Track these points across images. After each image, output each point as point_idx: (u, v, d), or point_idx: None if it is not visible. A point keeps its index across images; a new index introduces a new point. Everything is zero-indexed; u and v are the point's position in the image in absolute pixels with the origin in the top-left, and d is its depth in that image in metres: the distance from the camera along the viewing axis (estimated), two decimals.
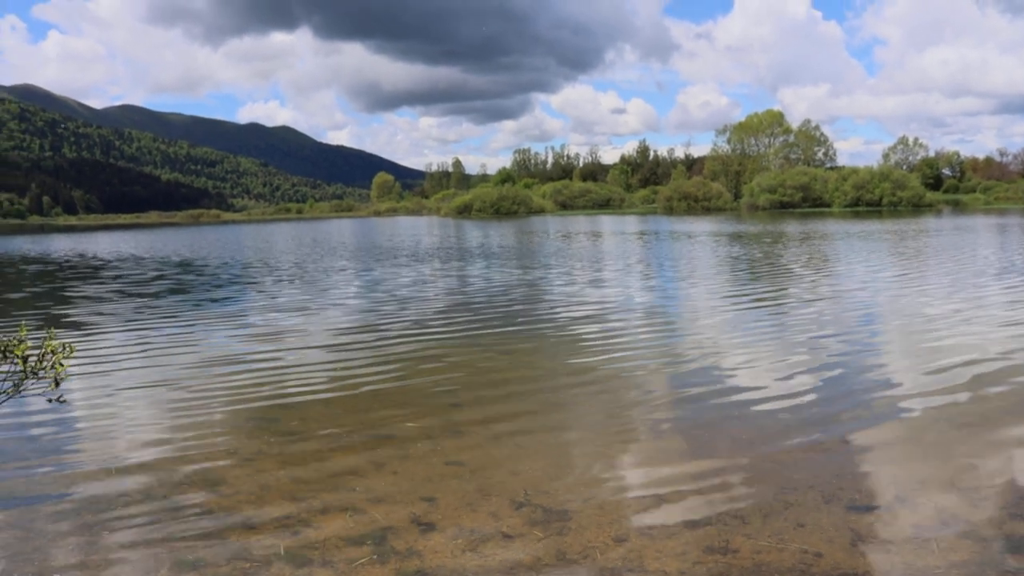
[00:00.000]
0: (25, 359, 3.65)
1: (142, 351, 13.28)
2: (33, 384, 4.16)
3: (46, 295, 23.08)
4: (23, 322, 4.38)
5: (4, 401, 3.98)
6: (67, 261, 39.14)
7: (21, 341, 3.64)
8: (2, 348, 3.72)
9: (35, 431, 8.62)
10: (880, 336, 13.15)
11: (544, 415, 8.74)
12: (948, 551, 5.19)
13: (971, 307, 15.83)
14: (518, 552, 5.34)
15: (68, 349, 3.87)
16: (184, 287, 24.35)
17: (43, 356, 3.72)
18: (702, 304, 17.57)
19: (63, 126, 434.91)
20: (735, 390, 9.59)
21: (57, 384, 3.76)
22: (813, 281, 21.46)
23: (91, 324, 16.47)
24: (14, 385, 3.80)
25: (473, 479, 6.75)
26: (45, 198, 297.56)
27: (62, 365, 3.72)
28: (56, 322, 16.73)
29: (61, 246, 57.88)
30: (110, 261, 37.82)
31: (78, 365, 11.91)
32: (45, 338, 3.90)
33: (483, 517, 5.94)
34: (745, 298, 18.40)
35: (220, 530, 5.81)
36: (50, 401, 4.09)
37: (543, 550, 5.36)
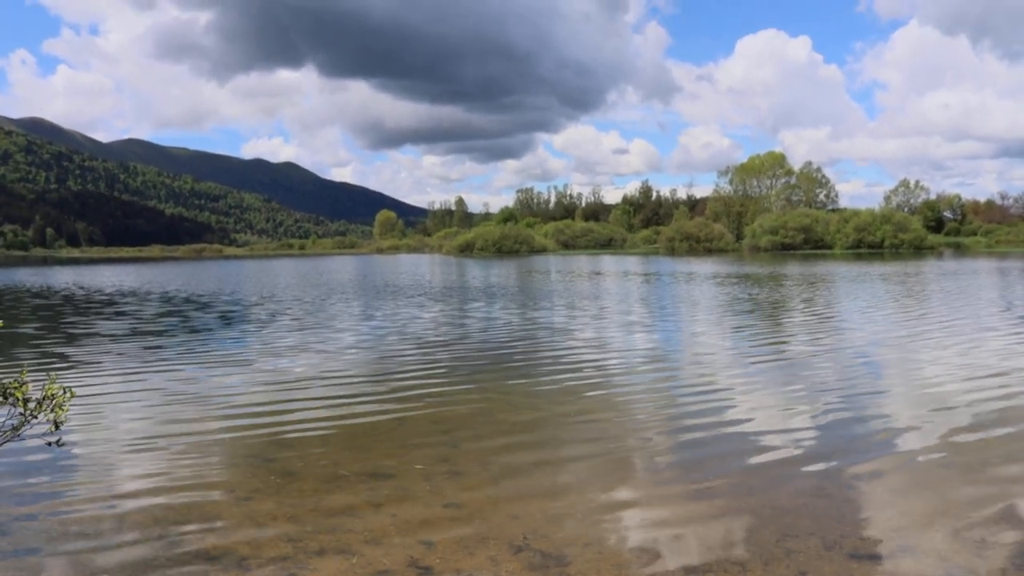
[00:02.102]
0: (26, 402, 3.63)
1: (140, 388, 13.23)
2: (33, 424, 4.15)
3: (47, 329, 23.06)
4: (24, 363, 4.37)
5: (3, 443, 3.95)
6: (69, 295, 39.17)
7: (22, 384, 3.63)
8: (3, 390, 3.70)
9: (32, 471, 8.57)
10: (881, 379, 13.09)
11: (543, 457, 8.68)
12: None
13: (972, 349, 15.78)
14: None
15: (69, 393, 3.85)
16: (184, 323, 24.34)
17: (44, 400, 3.70)
18: (702, 346, 17.53)
19: (69, 159, 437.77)
20: (735, 434, 9.54)
21: (57, 427, 3.73)
22: (814, 323, 21.43)
23: (90, 360, 16.43)
24: (14, 428, 3.78)
25: (472, 522, 6.69)
26: (49, 230, 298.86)
27: (62, 409, 3.70)
28: (55, 357, 16.70)
29: (64, 279, 57.95)
30: (112, 296, 37.85)
31: (77, 401, 11.86)
32: (46, 382, 3.88)
33: (481, 561, 5.87)
34: (745, 340, 18.37)
35: (215, 571, 5.75)
36: (49, 444, 4.06)
37: None
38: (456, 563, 5.85)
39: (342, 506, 7.13)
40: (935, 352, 15.83)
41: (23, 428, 3.75)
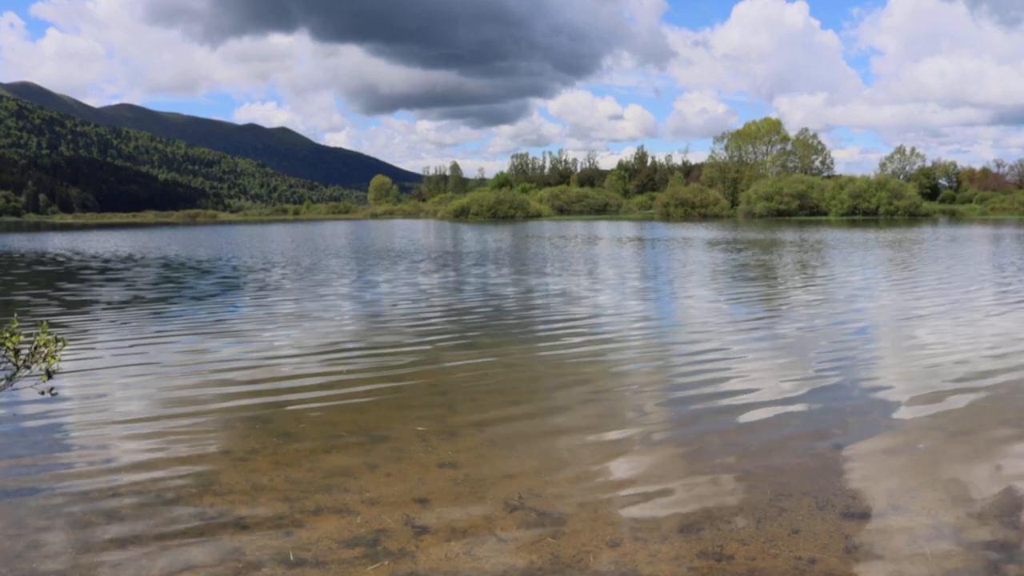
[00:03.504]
0: (17, 351, 3.62)
1: (136, 351, 13.24)
2: (25, 378, 4.14)
3: (41, 294, 23.01)
4: (16, 314, 4.34)
5: None
6: (63, 260, 39.05)
7: (13, 333, 3.62)
8: None
9: (27, 427, 8.59)
10: (876, 344, 13.16)
11: (539, 419, 8.73)
12: (941, 559, 5.18)
13: (965, 316, 15.85)
14: (511, 555, 5.32)
15: (60, 342, 3.84)
16: (181, 289, 24.31)
17: (36, 349, 3.69)
18: (697, 310, 17.57)
19: (61, 124, 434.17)
20: (730, 397, 9.59)
21: (49, 376, 3.73)
22: (808, 289, 21.48)
23: (85, 324, 16.43)
24: (7, 378, 3.78)
25: (467, 482, 6.73)
26: (41, 196, 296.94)
27: (54, 358, 3.69)
28: (50, 322, 16.67)
29: (58, 244, 57.72)
30: (107, 260, 37.74)
31: (71, 361, 11.88)
32: (38, 332, 3.87)
33: (477, 520, 5.92)
34: (740, 305, 18.40)
35: (212, 529, 5.79)
36: (42, 393, 4.06)
37: (536, 553, 5.34)
38: (452, 522, 5.89)
39: (339, 467, 7.17)
40: (931, 318, 15.89)
41: (16, 378, 3.74)
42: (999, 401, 9.20)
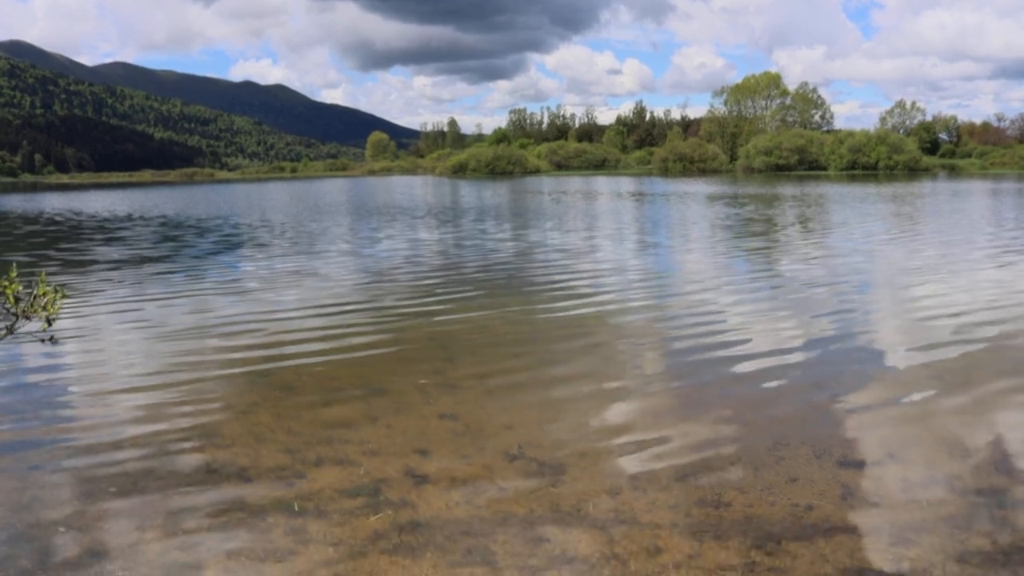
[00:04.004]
0: (17, 299, 3.62)
1: (137, 307, 13.26)
2: (25, 334, 4.14)
3: (40, 255, 23.00)
4: (15, 262, 4.35)
5: None
6: (61, 220, 38.94)
7: (12, 281, 3.61)
8: None
9: (29, 382, 8.64)
10: (872, 297, 13.19)
11: (538, 371, 8.77)
12: (936, 506, 5.24)
13: (962, 270, 15.88)
14: (511, 504, 5.38)
15: (60, 292, 3.84)
16: (181, 246, 24.29)
17: (35, 298, 3.69)
18: (696, 264, 17.58)
19: (54, 83, 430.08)
20: (728, 347, 9.62)
21: (49, 324, 3.73)
22: (807, 242, 21.48)
23: (85, 286, 16.44)
24: (7, 327, 3.78)
25: (467, 433, 6.78)
26: (37, 156, 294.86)
27: (54, 306, 3.69)
28: (50, 281, 16.67)
29: (55, 204, 57.50)
30: (106, 220, 37.63)
31: (72, 319, 11.91)
32: (37, 281, 3.87)
33: (477, 470, 5.98)
34: (739, 259, 18.41)
35: (215, 480, 5.84)
36: (42, 341, 4.07)
37: (536, 501, 5.40)
38: (452, 471, 5.95)
39: (339, 419, 7.22)
40: (929, 271, 15.91)
41: (15, 329, 3.75)
42: (996, 353, 9.24)
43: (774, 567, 4.52)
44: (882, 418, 7.02)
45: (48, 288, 3.83)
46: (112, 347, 10.38)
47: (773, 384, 8.10)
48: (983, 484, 5.57)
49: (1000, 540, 4.78)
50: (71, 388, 8.48)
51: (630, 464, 6.05)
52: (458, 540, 4.89)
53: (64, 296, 3.85)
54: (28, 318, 3.65)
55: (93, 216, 39.65)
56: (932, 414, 7.09)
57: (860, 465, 5.95)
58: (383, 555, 4.73)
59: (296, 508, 5.36)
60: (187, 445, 6.60)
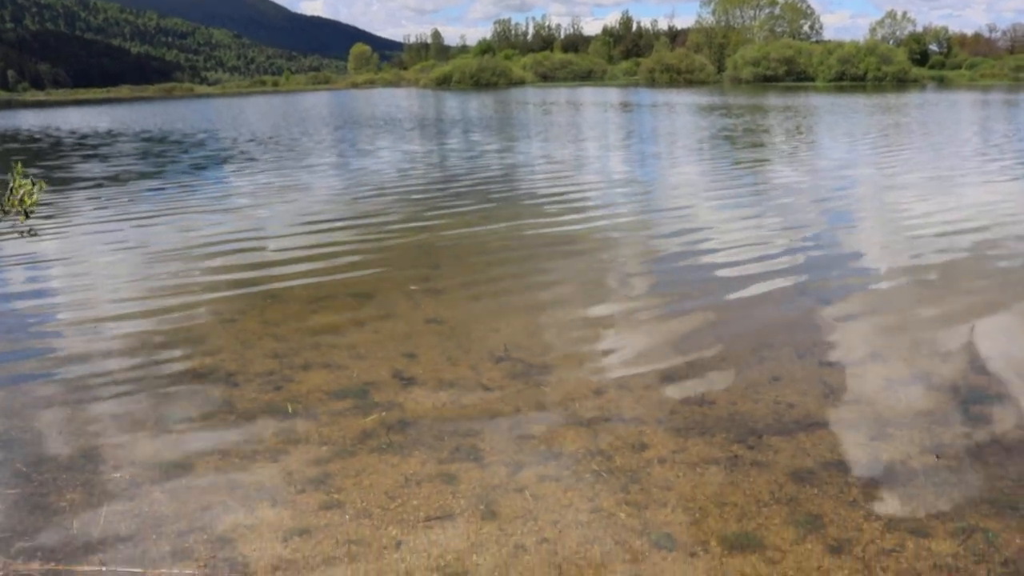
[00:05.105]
0: None
1: (120, 221, 13.17)
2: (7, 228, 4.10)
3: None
4: None
5: None
6: (40, 138, 38.25)
7: None
8: None
9: (15, 297, 8.60)
10: (856, 208, 13.20)
11: (524, 277, 8.79)
12: (914, 401, 5.34)
13: (947, 182, 15.89)
14: (498, 403, 5.44)
15: (38, 184, 3.78)
16: (164, 163, 23.98)
17: (12, 191, 3.63)
18: (680, 175, 17.50)
19: None
20: (712, 256, 9.66)
21: (27, 216, 3.68)
22: (791, 154, 21.38)
23: (68, 203, 16.27)
24: None
25: (453, 336, 6.83)
26: (10, 72, 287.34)
27: (31, 197, 3.63)
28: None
29: (32, 122, 56.38)
30: (86, 136, 37.00)
31: (59, 235, 11.82)
32: (13, 171, 3.81)
33: (463, 371, 6.03)
34: (723, 171, 18.33)
35: (203, 386, 5.88)
36: (21, 234, 4.03)
37: (522, 401, 5.47)
38: (439, 373, 6.00)
39: (326, 324, 7.24)
40: (911, 184, 15.91)
41: None
42: (975, 262, 9.30)
43: (756, 460, 4.62)
44: (865, 322, 7.10)
45: (24, 181, 3.77)
46: (94, 257, 10.33)
47: (757, 290, 8.14)
48: (960, 383, 5.67)
49: (975, 436, 4.89)
50: (54, 296, 8.46)
51: (615, 365, 6.12)
52: (445, 439, 4.96)
53: (42, 188, 3.79)
54: (6, 212, 3.60)
55: (72, 132, 38.94)
56: (913, 318, 7.17)
57: (841, 365, 6.04)
58: (372, 454, 4.80)
59: (288, 410, 5.41)
60: (174, 351, 6.62)
